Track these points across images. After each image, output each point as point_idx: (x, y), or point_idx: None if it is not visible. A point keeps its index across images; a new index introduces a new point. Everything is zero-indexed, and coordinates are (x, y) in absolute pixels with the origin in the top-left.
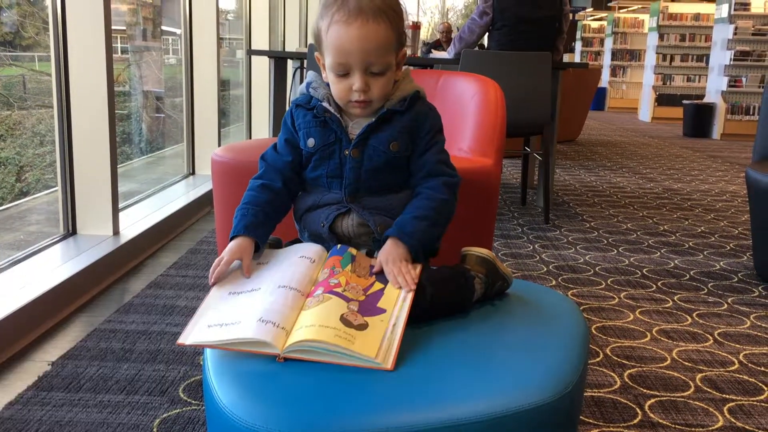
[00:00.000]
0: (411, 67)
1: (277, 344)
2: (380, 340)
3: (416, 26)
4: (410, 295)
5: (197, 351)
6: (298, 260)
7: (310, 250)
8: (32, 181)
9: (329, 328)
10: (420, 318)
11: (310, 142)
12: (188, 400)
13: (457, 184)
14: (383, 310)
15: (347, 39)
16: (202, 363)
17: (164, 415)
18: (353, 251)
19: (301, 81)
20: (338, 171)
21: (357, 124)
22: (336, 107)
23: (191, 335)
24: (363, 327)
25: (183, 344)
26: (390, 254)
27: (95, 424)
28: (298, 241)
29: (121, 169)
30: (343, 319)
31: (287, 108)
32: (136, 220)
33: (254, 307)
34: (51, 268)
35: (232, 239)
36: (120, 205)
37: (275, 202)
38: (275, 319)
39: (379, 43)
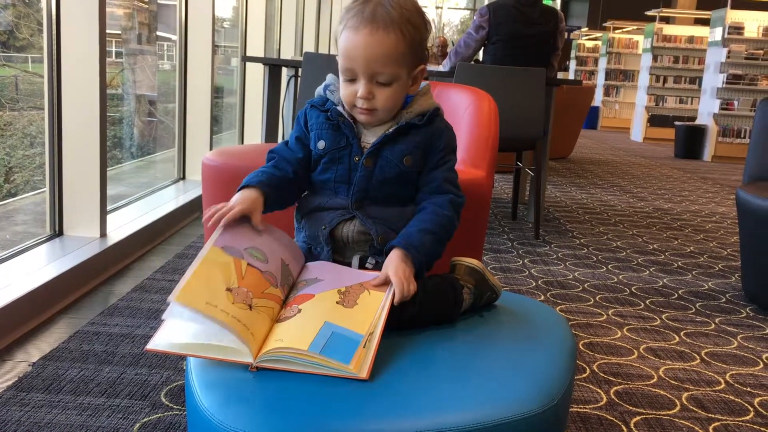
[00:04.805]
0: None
1: (253, 352)
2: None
3: None
4: (387, 305)
5: (180, 356)
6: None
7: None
8: (21, 182)
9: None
10: (406, 326)
11: (321, 144)
12: (170, 404)
13: (461, 204)
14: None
15: (354, 45)
16: (184, 368)
17: (145, 420)
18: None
19: (295, 89)
20: (346, 176)
21: (372, 132)
22: (350, 113)
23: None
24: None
25: (152, 350)
26: (398, 269)
27: (74, 427)
28: None
29: (111, 173)
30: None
31: (280, 116)
32: (124, 223)
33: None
34: (36, 268)
35: (240, 190)
36: (108, 208)
37: (286, 185)
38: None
39: (386, 52)
